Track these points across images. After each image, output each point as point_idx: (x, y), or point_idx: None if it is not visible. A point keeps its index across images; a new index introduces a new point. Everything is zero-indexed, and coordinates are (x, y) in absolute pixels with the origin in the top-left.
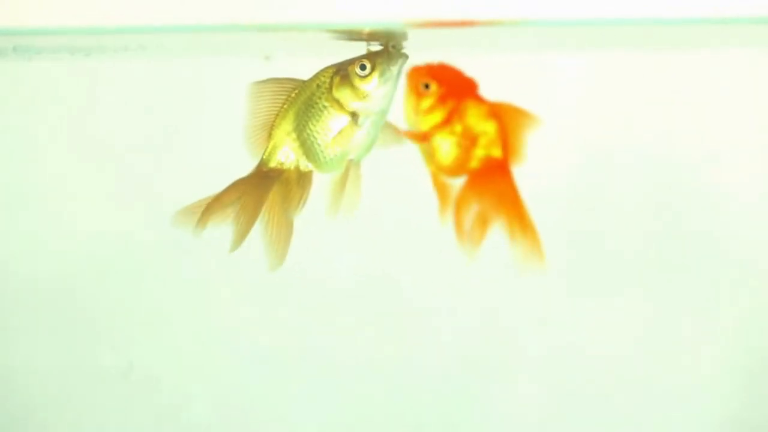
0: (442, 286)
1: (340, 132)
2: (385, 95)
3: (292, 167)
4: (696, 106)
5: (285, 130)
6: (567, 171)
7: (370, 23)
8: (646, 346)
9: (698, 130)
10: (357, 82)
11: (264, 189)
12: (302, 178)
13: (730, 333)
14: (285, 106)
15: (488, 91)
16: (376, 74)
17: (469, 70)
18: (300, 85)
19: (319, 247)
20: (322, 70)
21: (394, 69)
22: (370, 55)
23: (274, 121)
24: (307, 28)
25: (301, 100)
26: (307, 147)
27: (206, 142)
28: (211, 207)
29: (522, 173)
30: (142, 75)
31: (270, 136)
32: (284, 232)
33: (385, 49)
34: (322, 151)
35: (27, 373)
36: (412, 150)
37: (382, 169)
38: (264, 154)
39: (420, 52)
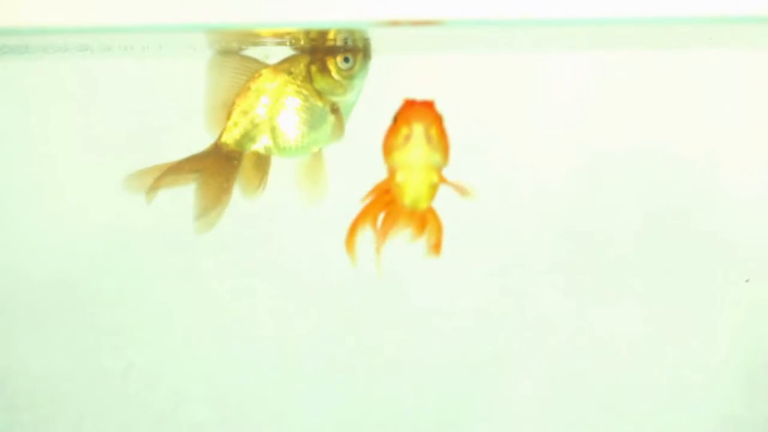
0: (442, 286)
1: (318, 122)
2: (360, 89)
3: (252, 150)
4: (696, 106)
5: (248, 112)
6: (567, 170)
7: (357, 23)
8: (646, 346)
9: (699, 130)
10: (338, 75)
11: (229, 173)
12: (261, 162)
13: (730, 333)
14: (248, 88)
15: (488, 90)
16: (357, 68)
17: (469, 69)
18: (265, 69)
19: (319, 247)
20: (292, 59)
21: (369, 65)
22: (350, 49)
23: (235, 101)
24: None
25: (271, 85)
26: (276, 133)
27: (206, 142)
28: (166, 176)
29: (523, 173)
30: (143, 74)
31: (229, 115)
32: (222, 204)
33: (363, 46)
34: (293, 139)
35: (27, 373)
36: None
37: (380, 168)
38: (223, 134)
39: (411, 51)
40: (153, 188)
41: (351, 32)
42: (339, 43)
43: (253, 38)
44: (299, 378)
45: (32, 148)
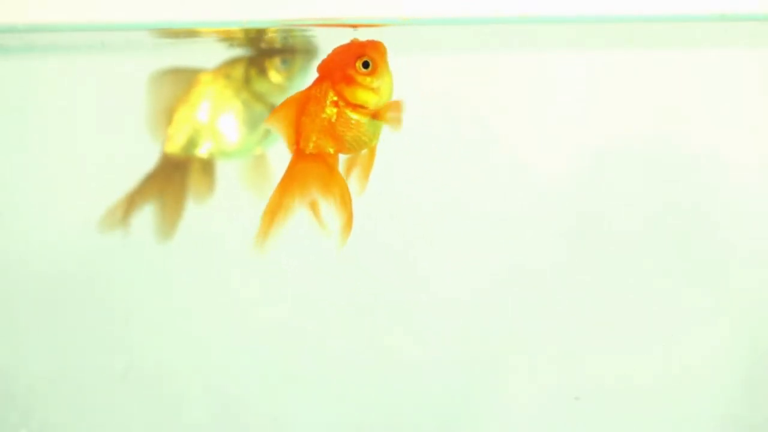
0: (443, 285)
1: (258, 125)
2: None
3: (197, 155)
4: (697, 105)
5: (189, 119)
6: (567, 170)
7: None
8: (646, 345)
9: (699, 129)
10: (276, 77)
11: (180, 180)
12: (208, 166)
13: (731, 332)
14: (188, 95)
15: (488, 89)
16: (295, 70)
17: (469, 68)
18: (204, 75)
19: (317, 245)
20: (231, 62)
21: (309, 66)
22: (287, 52)
23: (175, 110)
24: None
25: (210, 91)
26: (218, 137)
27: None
28: (133, 204)
29: (524, 173)
30: (136, 72)
31: (172, 123)
32: (179, 212)
33: (302, 47)
34: (234, 142)
35: (27, 373)
36: (416, 140)
37: (380, 163)
38: (168, 143)
39: (404, 50)
40: (125, 220)
41: (288, 31)
42: (277, 43)
43: (193, 36)
44: (299, 377)
45: (33, 147)
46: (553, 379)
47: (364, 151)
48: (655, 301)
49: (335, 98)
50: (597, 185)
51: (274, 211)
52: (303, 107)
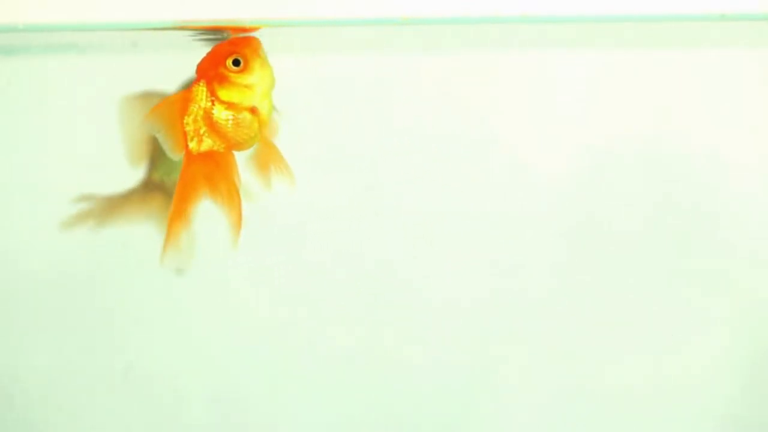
0: (442, 285)
1: None
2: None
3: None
4: (697, 106)
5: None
6: (567, 170)
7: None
8: (645, 345)
9: (700, 129)
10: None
11: (162, 197)
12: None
13: (731, 332)
14: None
15: (488, 89)
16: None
17: (469, 68)
18: (171, 97)
19: (318, 244)
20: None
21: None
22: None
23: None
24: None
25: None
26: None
27: None
28: (106, 214)
29: (524, 173)
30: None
31: (156, 151)
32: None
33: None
34: None
35: (26, 372)
36: (416, 139)
37: (380, 163)
38: (150, 167)
39: (404, 50)
40: (97, 224)
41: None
42: None
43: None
44: (299, 378)
45: (32, 147)
46: (553, 379)
47: (256, 146)
48: (655, 301)
49: (211, 97)
50: (597, 185)
51: (177, 218)
52: (185, 107)
